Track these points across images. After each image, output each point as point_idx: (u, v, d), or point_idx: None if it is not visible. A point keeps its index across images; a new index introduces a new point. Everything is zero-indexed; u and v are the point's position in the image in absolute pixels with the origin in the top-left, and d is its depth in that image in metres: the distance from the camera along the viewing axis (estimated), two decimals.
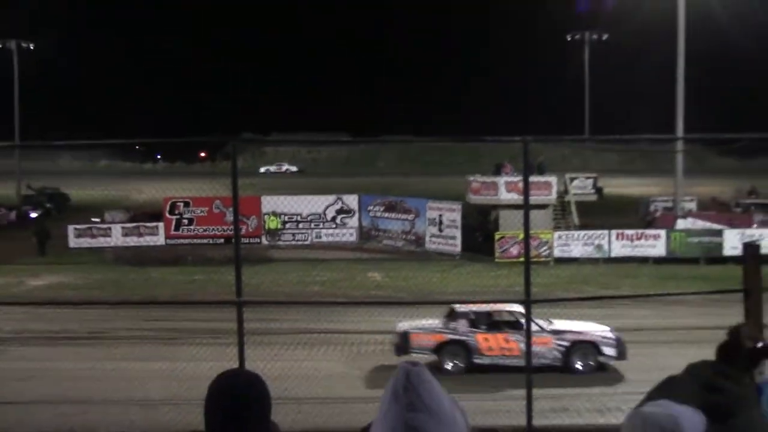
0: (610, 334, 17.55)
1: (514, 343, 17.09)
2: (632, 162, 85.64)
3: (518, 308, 16.87)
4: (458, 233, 35.91)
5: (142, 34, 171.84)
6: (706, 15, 40.97)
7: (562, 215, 37.43)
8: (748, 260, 9.30)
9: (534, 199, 32.96)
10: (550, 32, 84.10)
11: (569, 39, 67.28)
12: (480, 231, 36.78)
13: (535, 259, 30.23)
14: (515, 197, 33.03)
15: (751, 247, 9.76)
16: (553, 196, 36.10)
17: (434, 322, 18.23)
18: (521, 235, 32.11)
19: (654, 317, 19.57)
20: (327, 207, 40.01)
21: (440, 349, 17.69)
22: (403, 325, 17.86)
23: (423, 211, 37.39)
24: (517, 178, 34.01)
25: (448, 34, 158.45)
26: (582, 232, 34.79)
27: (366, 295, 26.22)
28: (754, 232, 33.04)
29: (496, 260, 33.05)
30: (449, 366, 17.53)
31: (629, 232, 34.51)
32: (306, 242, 39.27)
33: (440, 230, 36.46)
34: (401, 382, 2.06)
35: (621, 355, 17.32)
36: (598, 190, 39.66)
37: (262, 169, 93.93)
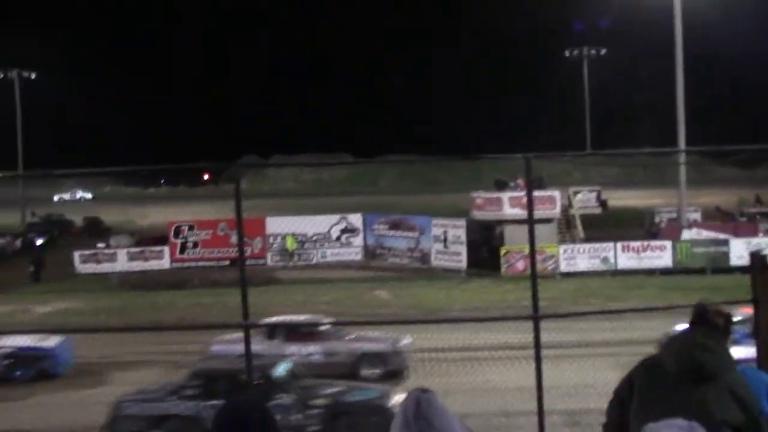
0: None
1: None
2: (634, 174, 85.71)
3: None
4: (463, 249, 35.86)
5: (142, 62, 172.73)
6: (705, 24, 41.06)
7: (567, 229, 37.39)
8: (755, 270, 9.28)
9: (538, 213, 32.98)
10: (548, 49, 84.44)
11: (568, 55, 67.50)
12: (485, 246, 36.73)
13: (541, 274, 30.21)
14: (519, 212, 32.98)
15: (758, 257, 9.74)
16: (557, 210, 36.07)
17: None
18: (527, 250, 32.07)
19: (662, 329, 19.49)
20: (332, 226, 40.06)
21: None
22: None
23: (428, 229, 37.39)
24: (521, 193, 34.00)
25: (448, 54, 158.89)
26: (588, 245, 34.73)
27: (373, 313, 26.16)
28: (760, 241, 32.94)
29: (503, 275, 33.00)
30: None
31: (635, 243, 34.43)
32: (311, 262, 39.29)
33: (445, 246, 36.44)
34: (411, 409, 2.07)
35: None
36: (602, 203, 39.62)
37: (56, 198, 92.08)
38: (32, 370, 19.36)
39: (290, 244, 39.11)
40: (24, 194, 62.62)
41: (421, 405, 2.09)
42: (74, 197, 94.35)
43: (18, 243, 49.99)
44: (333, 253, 39.84)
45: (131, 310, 28.94)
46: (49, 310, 30.12)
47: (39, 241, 50.78)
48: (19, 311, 29.03)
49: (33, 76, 64.28)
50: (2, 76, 63.51)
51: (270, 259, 39.30)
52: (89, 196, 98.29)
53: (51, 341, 19.60)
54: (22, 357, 19.37)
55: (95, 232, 53.99)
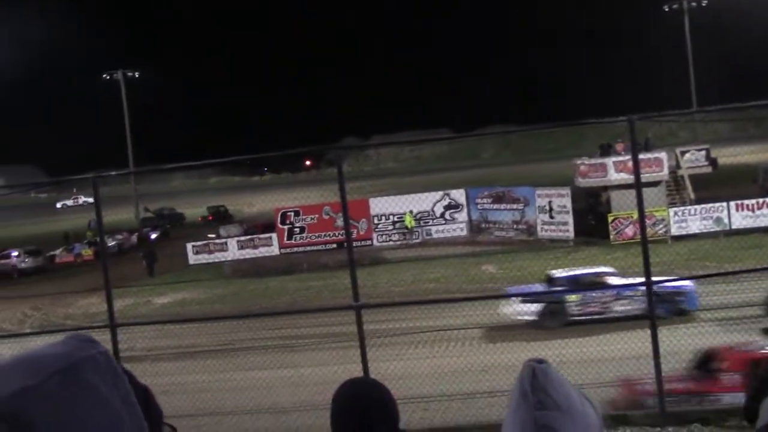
0: None
1: None
2: (745, 129, 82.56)
3: None
4: (570, 218, 35.33)
5: (239, 53, 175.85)
6: None
7: (677, 191, 36.34)
8: None
9: (645, 176, 32.14)
10: (647, 3, 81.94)
11: (667, 10, 65.27)
12: (592, 214, 36.09)
13: (651, 238, 29.48)
14: (625, 177, 32.27)
15: None
16: (665, 172, 35.07)
17: None
18: (635, 215, 31.37)
19: None
20: (435, 203, 40.07)
21: None
22: None
23: (532, 199, 36.98)
24: (626, 158, 33.25)
25: (542, 18, 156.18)
26: (699, 207, 33.70)
27: (481, 288, 26.09)
28: None
29: (612, 242, 32.39)
30: None
31: (749, 201, 33.20)
32: (417, 240, 39.43)
33: (551, 217, 35.98)
34: (528, 380, 2.06)
35: None
36: (712, 162, 38.30)
37: (59, 204, 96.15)
38: (672, 307, 20.01)
39: (409, 221, 39.43)
40: (136, 190, 64.83)
41: (537, 376, 2.07)
42: (77, 202, 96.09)
43: (134, 238, 51.86)
44: (438, 230, 39.87)
45: (245, 297, 29.72)
46: (168, 301, 31.23)
47: (153, 236, 52.61)
48: (140, 303, 30.18)
49: (137, 74, 66.43)
50: (108, 77, 65.89)
51: (376, 240, 39.63)
52: (91, 200, 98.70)
53: (687, 282, 20.60)
54: (663, 294, 20.33)
55: (221, 220, 55.50)
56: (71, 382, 1.02)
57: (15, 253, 46.77)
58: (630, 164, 32.10)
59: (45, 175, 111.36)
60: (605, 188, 35.45)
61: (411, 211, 39.23)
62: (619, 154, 35.40)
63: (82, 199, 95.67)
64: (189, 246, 41.28)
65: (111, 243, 44.91)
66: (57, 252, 49.72)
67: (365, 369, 9.36)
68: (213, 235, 43.56)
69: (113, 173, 13.89)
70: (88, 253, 47.63)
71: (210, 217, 59.76)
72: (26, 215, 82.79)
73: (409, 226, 39.50)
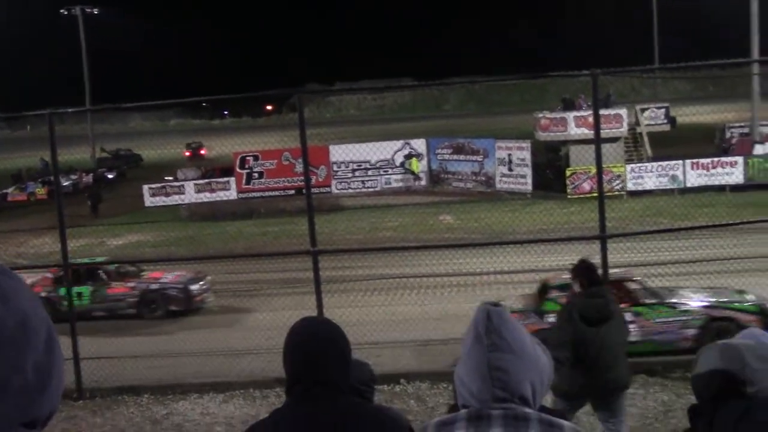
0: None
1: None
2: (705, 89, 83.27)
3: None
4: (528, 171, 35.57)
5: None
6: None
7: (635, 147, 36.74)
8: None
9: (605, 132, 32.34)
10: None
11: None
12: (550, 168, 36.37)
13: (608, 194, 29.74)
14: (585, 132, 32.51)
15: None
16: (624, 128, 35.39)
17: None
18: (593, 170, 31.65)
19: (732, 247, 19.14)
20: (395, 153, 40.03)
21: None
22: None
23: (492, 151, 37.10)
24: (587, 113, 33.43)
25: None
26: (656, 164, 34.12)
27: (438, 238, 26.24)
28: None
29: (569, 196, 32.70)
30: None
31: (705, 160, 33.67)
32: (376, 188, 39.45)
33: (510, 169, 36.17)
34: (482, 322, 2.07)
35: None
36: (671, 120, 38.69)
37: None
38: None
39: (415, 166, 39.49)
40: (93, 130, 63.77)
41: (491, 318, 2.08)
42: None
43: (90, 179, 51.15)
44: (397, 179, 39.91)
45: (201, 241, 29.55)
46: (122, 242, 30.94)
47: (110, 176, 51.96)
48: (94, 244, 29.86)
49: (95, 11, 64.95)
50: (66, 12, 64.35)
51: (335, 187, 39.56)
52: None
53: None
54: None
55: (200, 159, 55.18)
56: None
57: None
58: (590, 119, 32.32)
59: None
60: (564, 143, 35.70)
61: (416, 156, 39.42)
62: (580, 109, 35.62)
63: None
64: (145, 188, 40.85)
65: (66, 183, 44.26)
66: (9, 190, 48.92)
67: (320, 314, 9.37)
68: (170, 178, 43.14)
69: (70, 110, 13.60)
70: (41, 192, 46.95)
71: (202, 151, 59.46)
72: None
73: (416, 171, 39.54)
